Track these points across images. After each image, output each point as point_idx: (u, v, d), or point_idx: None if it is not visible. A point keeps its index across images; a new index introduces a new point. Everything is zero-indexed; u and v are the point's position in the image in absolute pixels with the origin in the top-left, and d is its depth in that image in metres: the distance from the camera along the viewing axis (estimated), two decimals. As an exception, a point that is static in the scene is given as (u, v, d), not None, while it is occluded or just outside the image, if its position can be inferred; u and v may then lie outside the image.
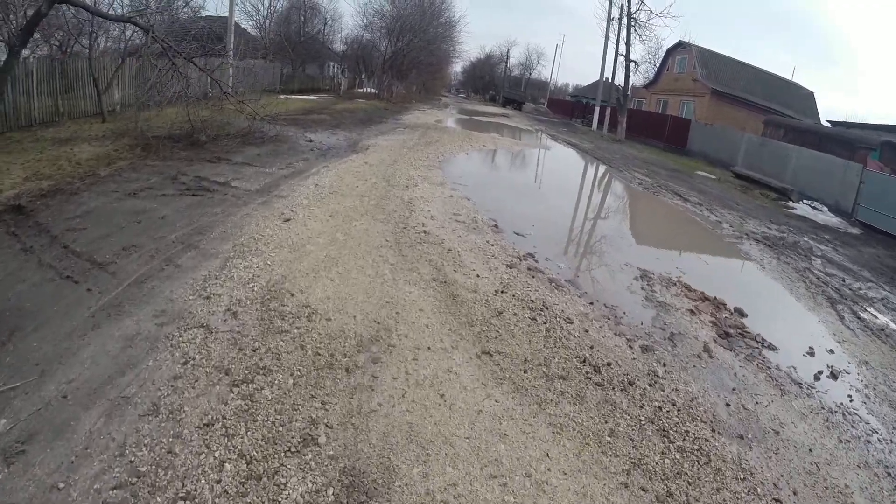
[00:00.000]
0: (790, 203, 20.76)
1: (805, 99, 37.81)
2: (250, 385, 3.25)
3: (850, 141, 26.48)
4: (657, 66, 38.54)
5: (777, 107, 34.94)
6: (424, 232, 6.86)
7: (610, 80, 37.24)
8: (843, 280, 9.05)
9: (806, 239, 12.62)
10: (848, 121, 31.18)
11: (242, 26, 31.88)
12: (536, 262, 6.68)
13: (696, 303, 6.68)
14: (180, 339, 3.70)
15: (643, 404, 4.00)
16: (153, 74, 10.64)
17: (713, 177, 23.48)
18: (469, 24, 63.27)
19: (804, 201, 21.30)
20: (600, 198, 13.39)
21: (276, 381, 3.30)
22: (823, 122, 33.86)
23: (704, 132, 31.67)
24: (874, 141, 26.40)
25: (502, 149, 17.43)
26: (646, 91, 41.42)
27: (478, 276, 5.61)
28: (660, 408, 4.02)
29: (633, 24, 31.26)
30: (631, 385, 4.24)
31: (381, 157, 11.80)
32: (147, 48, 10.74)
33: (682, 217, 12.00)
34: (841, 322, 6.87)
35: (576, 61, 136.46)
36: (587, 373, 4.19)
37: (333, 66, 43.80)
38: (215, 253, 5.27)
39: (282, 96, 25.14)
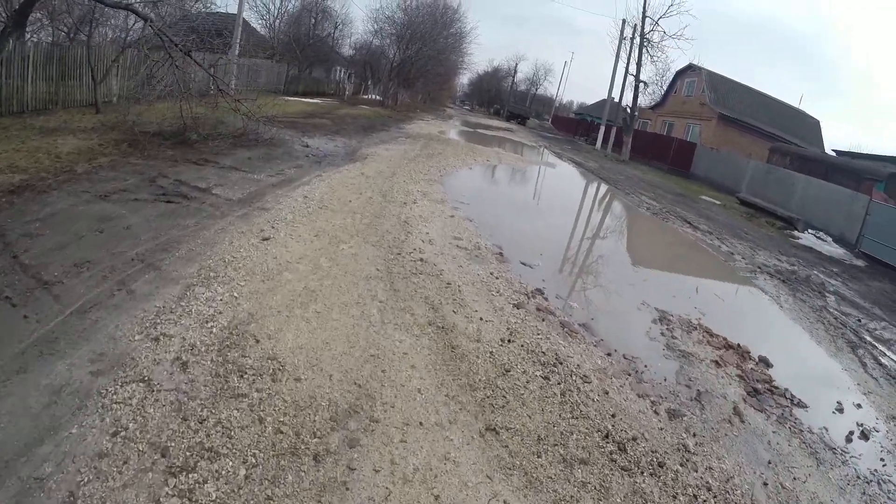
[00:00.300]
0: (795, 233, 20.20)
1: (811, 127, 37.40)
2: (190, 475, 2.48)
3: (856, 171, 25.97)
4: (664, 87, 38.02)
5: (782, 134, 34.48)
6: (421, 260, 6.12)
7: (616, 100, 36.75)
8: (860, 320, 8.53)
9: (816, 272, 12.08)
10: (853, 151, 30.74)
11: (252, 25, 31.24)
12: (546, 299, 5.94)
13: (720, 352, 6.02)
14: (114, 396, 2.95)
15: (676, 493, 3.30)
16: (144, 66, 9.99)
17: (718, 202, 22.91)
18: (479, 36, 62.72)
19: (809, 231, 20.74)
20: (609, 223, 12.70)
21: (223, 471, 2.53)
22: (829, 152, 33.43)
23: (710, 157, 31.14)
24: (881, 173, 25.88)
25: (506, 165, 16.75)
26: (652, 112, 40.94)
27: (481, 318, 4.86)
28: (695, 496, 3.32)
29: (645, 44, 30.76)
30: (661, 467, 3.52)
31: (379, 168, 11.10)
32: (145, 38, 10.09)
33: (694, 247, 11.32)
34: (864, 370, 6.40)
35: (582, 79, 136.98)
36: (611, 452, 3.46)
37: (340, 71, 43.18)
38: (177, 277, 4.51)
39: (285, 97, 24.41)
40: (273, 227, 6.21)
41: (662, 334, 5.92)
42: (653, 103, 40.32)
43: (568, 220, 11.45)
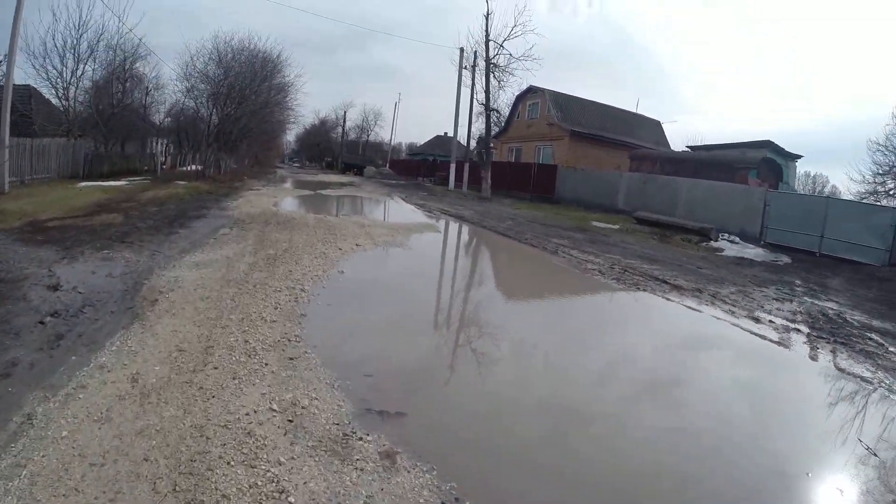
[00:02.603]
0: (713, 244, 17.59)
1: (654, 129, 37.21)
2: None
3: (728, 163, 24.62)
4: (506, 113, 35.55)
5: (633, 140, 33.46)
6: None
7: (454, 135, 33.42)
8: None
9: (809, 300, 10.01)
10: (707, 143, 30.11)
11: (46, 96, 23.85)
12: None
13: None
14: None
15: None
16: None
17: (615, 226, 19.75)
18: (306, 84, 57.17)
19: (722, 236, 18.40)
20: (587, 321, 8.01)
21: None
22: (683, 149, 32.89)
23: (575, 177, 28.63)
24: (752, 160, 24.81)
25: (383, 245, 11.36)
26: (496, 140, 38.35)
27: None
28: None
29: (493, 69, 27.59)
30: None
31: (176, 337, 4.84)
32: None
33: (728, 337, 6.99)
34: None
35: (409, 120, 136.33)
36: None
37: (157, 143, 35.28)
38: None
39: (81, 184, 18.17)
40: None
41: None
42: (496, 130, 37.74)
43: (486, 335, 6.53)
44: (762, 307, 8.83)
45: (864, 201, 21.47)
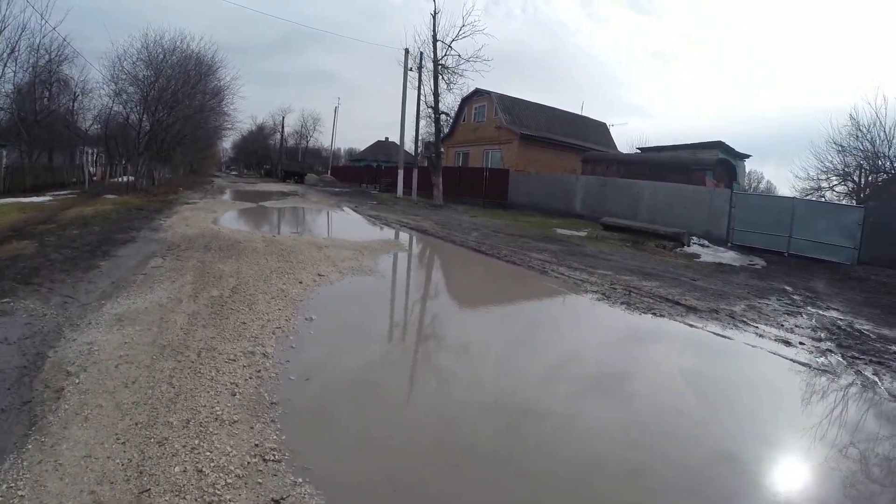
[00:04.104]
0: (687, 249, 16.86)
1: (602, 131, 36.81)
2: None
3: (684, 165, 24.19)
4: (451, 117, 34.19)
5: (582, 143, 32.87)
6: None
7: (400, 139, 31.83)
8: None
9: (813, 310, 9.40)
10: (657, 145, 29.78)
11: None
12: None
13: None
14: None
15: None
16: None
17: (581, 233, 18.78)
18: (242, 87, 53.95)
19: (692, 241, 17.74)
20: (582, 354, 6.58)
21: None
22: (633, 151, 32.45)
23: (528, 182, 27.62)
24: (708, 161, 24.48)
25: (347, 275, 9.42)
26: (441, 144, 37.01)
27: None
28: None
29: (441, 71, 26.11)
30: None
31: (90, 471, 2.90)
32: None
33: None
34: None
35: (348, 126, 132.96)
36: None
37: (87, 153, 31.65)
38: None
39: None
40: None
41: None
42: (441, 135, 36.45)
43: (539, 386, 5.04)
44: (781, 325, 8.02)
45: (823, 200, 21.48)
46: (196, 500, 2.98)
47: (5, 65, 21.19)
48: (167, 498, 2.97)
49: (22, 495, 2.86)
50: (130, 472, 3.15)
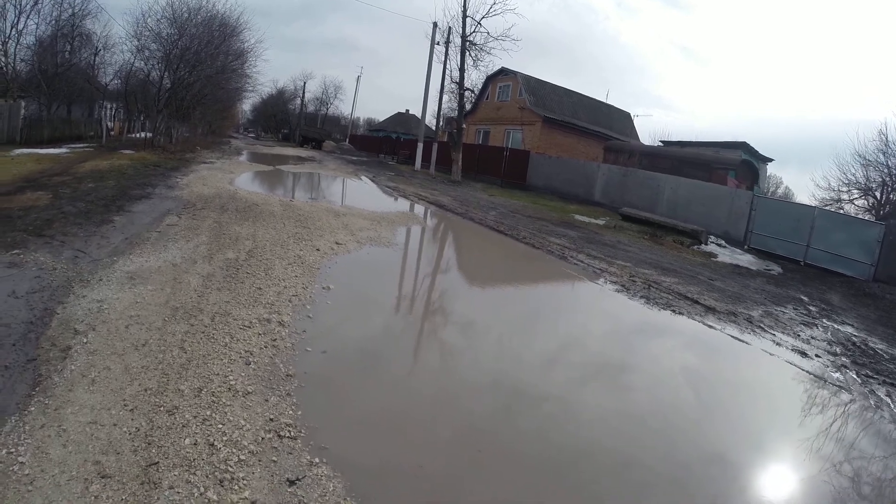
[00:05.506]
0: (703, 247, 16.45)
1: (625, 120, 35.98)
2: None
3: (706, 162, 23.56)
4: (475, 94, 33.52)
5: (605, 131, 32.09)
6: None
7: (422, 113, 31.30)
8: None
9: (828, 323, 9.05)
10: (681, 140, 29.03)
11: None
12: None
13: None
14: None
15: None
16: None
17: (599, 221, 18.40)
18: (266, 50, 53.21)
19: (710, 239, 17.31)
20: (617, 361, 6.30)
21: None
22: (656, 143, 31.70)
23: (548, 165, 27.05)
24: (732, 161, 23.87)
25: (365, 245, 9.13)
26: (463, 120, 36.41)
27: None
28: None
29: (468, 47, 25.46)
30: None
31: (95, 439, 2.94)
32: None
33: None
34: None
35: (369, 96, 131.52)
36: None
37: (106, 107, 31.40)
38: None
39: (16, 151, 15.63)
40: None
41: None
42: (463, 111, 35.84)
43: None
44: (797, 335, 7.74)
45: (841, 212, 20.92)
46: (207, 476, 2.75)
47: (28, 16, 20.84)
48: (176, 473, 2.75)
49: (22, 462, 2.65)
50: (138, 442, 2.93)
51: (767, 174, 29.73)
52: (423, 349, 5.36)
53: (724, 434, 4.40)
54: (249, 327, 4.71)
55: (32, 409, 3.06)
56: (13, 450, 2.72)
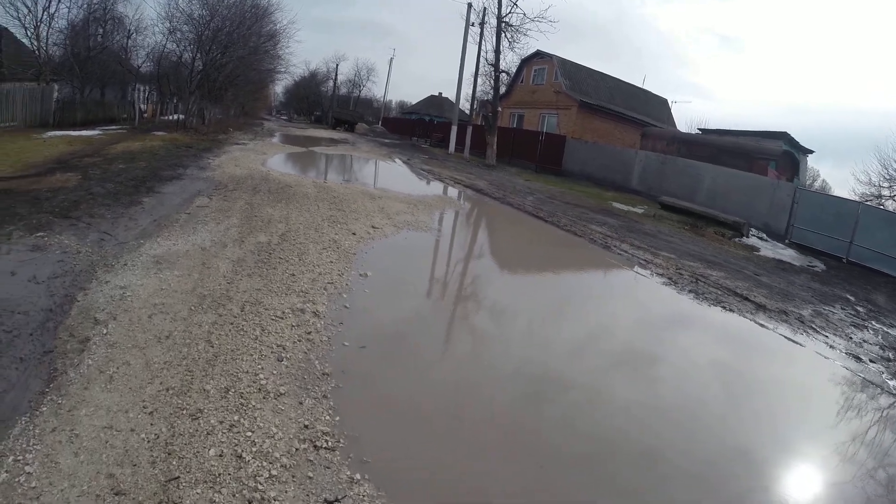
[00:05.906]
0: (745, 240, 15.65)
1: (662, 106, 34.71)
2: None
3: (747, 152, 22.43)
4: (510, 76, 32.68)
5: (641, 117, 30.96)
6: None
7: (457, 95, 30.64)
8: None
9: (878, 325, 8.32)
10: (720, 128, 27.80)
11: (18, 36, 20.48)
12: None
13: None
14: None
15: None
16: None
17: (638, 210, 17.67)
18: (299, 31, 53.19)
19: (751, 232, 16.47)
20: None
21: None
22: (693, 131, 30.53)
23: (584, 150, 26.20)
24: (773, 151, 22.71)
25: (402, 230, 8.67)
26: (498, 103, 35.63)
27: None
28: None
29: (504, 28, 24.68)
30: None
31: (109, 447, 2.64)
32: None
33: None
34: None
35: (401, 78, 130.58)
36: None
37: (139, 89, 31.67)
38: None
39: (48, 134, 15.53)
40: None
41: None
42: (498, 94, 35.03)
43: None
44: (849, 337, 7.14)
45: (882, 208, 19.75)
46: (234, 495, 2.39)
47: (60, 1, 20.82)
48: (199, 490, 2.39)
49: (30, 472, 2.32)
50: (157, 451, 2.58)
51: (807, 166, 28.33)
52: (474, 346, 4.94)
53: (778, 437, 3.89)
54: (282, 318, 4.36)
55: (45, 408, 2.75)
56: (20, 457, 2.40)
